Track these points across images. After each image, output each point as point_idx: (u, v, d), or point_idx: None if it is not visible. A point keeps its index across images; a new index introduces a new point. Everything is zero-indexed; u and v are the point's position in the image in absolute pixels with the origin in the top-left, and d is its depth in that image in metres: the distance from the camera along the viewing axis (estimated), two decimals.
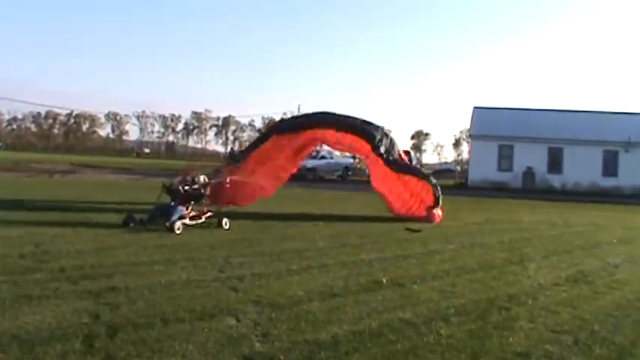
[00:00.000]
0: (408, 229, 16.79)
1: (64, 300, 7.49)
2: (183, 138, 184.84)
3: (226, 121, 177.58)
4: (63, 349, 5.66)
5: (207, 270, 9.96)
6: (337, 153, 51.39)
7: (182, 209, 14.71)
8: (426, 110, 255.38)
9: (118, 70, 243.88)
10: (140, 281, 8.75)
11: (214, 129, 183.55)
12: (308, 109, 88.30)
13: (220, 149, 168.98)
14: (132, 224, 14.25)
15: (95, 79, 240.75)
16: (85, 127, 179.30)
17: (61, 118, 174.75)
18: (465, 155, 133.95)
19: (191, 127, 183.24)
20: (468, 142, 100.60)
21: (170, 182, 15.99)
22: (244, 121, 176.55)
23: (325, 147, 39.47)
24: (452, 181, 58.56)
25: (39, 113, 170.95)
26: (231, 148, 78.77)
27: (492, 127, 52.81)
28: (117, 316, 6.91)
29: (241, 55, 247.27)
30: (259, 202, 20.16)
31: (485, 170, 51.21)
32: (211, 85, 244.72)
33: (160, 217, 14.39)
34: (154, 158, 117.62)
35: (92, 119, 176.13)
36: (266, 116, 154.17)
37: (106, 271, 9.39)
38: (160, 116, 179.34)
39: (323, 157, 50.36)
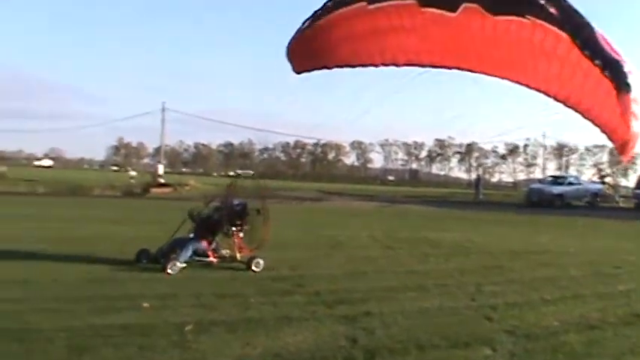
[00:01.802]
0: None
1: (322, 323, 7.89)
2: (426, 165, 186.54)
3: (469, 148, 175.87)
4: None
5: (458, 297, 9.94)
6: (584, 178, 48.17)
7: (198, 245, 12.32)
8: None
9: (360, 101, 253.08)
10: (394, 307, 8.94)
11: (457, 156, 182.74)
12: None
13: (464, 176, 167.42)
14: (144, 261, 12.17)
15: (340, 109, 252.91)
16: (331, 155, 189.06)
17: (309, 147, 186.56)
18: None
19: (434, 154, 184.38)
20: None
21: (201, 207, 13.33)
22: (487, 147, 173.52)
23: (572, 172, 37.32)
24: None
25: (288, 143, 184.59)
26: (477, 175, 77.53)
27: None
28: (373, 340, 7.10)
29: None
30: (510, 227, 19.58)
31: None
32: (453, 112, 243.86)
33: (171, 252, 11.90)
34: (398, 185, 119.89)
35: (338, 148, 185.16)
36: (509, 142, 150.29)
37: (360, 295, 9.75)
38: (403, 144, 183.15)
39: (571, 184, 48.07)
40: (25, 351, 6.30)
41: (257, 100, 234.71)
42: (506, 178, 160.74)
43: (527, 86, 7.62)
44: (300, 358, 6.34)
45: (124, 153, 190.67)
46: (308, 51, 8.37)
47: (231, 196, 13.45)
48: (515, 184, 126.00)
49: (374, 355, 6.45)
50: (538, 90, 7.62)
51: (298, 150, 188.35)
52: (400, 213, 36.09)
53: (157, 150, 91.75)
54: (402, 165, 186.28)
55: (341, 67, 8.40)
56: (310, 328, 7.60)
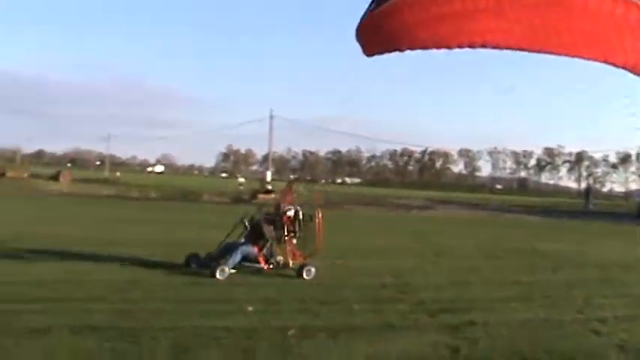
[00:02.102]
0: None
1: (425, 331, 7.87)
2: (535, 174, 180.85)
3: (579, 157, 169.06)
4: None
5: (565, 310, 9.63)
6: None
7: (248, 250, 12.11)
8: None
9: (469, 106, 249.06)
10: (498, 317, 8.80)
11: (567, 165, 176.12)
12: None
13: (573, 185, 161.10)
14: (193, 265, 12.11)
15: (448, 116, 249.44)
16: (438, 163, 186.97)
17: (416, 155, 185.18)
18: None
19: (543, 163, 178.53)
20: None
21: (253, 212, 13.17)
22: (598, 156, 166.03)
23: None
24: None
25: (395, 150, 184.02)
26: (587, 184, 74.47)
27: None
28: (475, 351, 7.02)
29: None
30: (621, 239, 18.72)
31: None
32: (562, 120, 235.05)
33: (220, 258, 11.84)
34: (506, 194, 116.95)
35: (445, 156, 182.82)
36: (621, 151, 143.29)
37: (463, 305, 9.64)
38: (511, 152, 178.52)
39: None
40: (135, 348, 6.58)
41: (364, 108, 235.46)
42: (618, 188, 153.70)
43: (615, 65, 7.16)
44: None
45: (233, 160, 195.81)
46: (379, 33, 8.21)
47: (284, 202, 13.32)
48: (627, 194, 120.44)
49: None
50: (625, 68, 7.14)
51: (405, 158, 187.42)
52: (508, 222, 35.28)
53: (265, 157, 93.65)
54: (511, 173, 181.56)
55: (413, 49, 8.20)
56: (412, 336, 7.60)
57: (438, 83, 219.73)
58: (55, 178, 68.38)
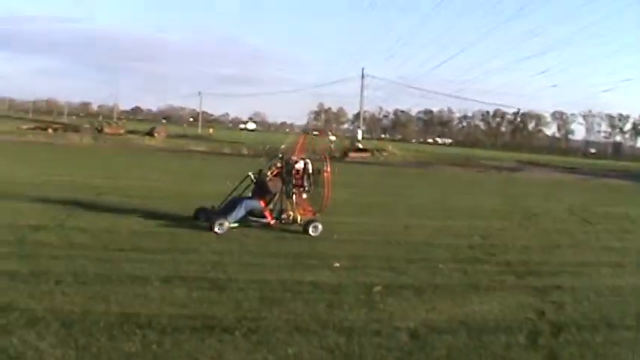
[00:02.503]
0: None
1: (510, 293, 7.72)
2: (631, 139, 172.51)
3: None
4: (507, 340, 5.82)
5: None
6: None
7: (253, 204, 11.59)
8: None
9: (564, 69, 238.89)
10: (586, 282, 8.52)
11: None
12: None
13: None
14: (202, 218, 11.61)
15: (542, 78, 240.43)
16: (531, 125, 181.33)
17: (509, 116, 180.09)
18: None
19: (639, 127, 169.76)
20: None
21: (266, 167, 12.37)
22: None
23: None
24: None
25: (487, 112, 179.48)
26: None
27: None
28: (561, 315, 6.83)
29: None
30: None
31: None
32: None
33: (226, 212, 11.39)
34: (600, 159, 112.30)
35: (538, 118, 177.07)
36: None
37: (551, 269, 9.39)
38: (607, 116, 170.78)
39: None
40: (221, 299, 6.69)
41: (457, 67, 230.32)
42: None
43: None
44: (486, 327, 6.25)
45: (325, 118, 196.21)
46: None
47: (294, 154, 12.53)
48: None
49: (561, 330, 6.21)
50: None
51: (498, 119, 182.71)
52: (601, 187, 34.04)
53: (357, 116, 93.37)
54: (605, 137, 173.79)
55: None
56: (498, 297, 7.46)
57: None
58: (149, 134, 70.51)
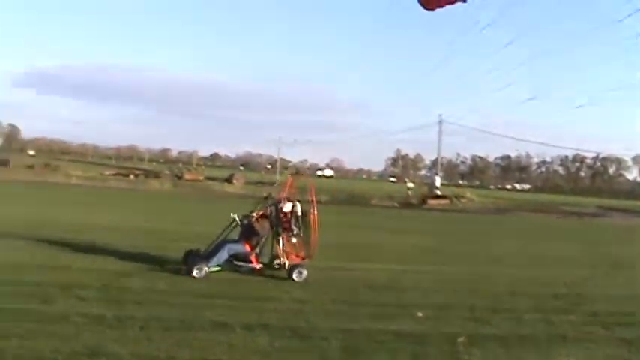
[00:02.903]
0: None
1: (598, 345, 7.45)
2: None
3: None
4: None
5: None
6: None
7: (237, 248, 11.10)
8: None
9: None
10: None
11: None
12: None
13: None
14: (190, 261, 10.94)
15: (619, 123, 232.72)
16: (611, 170, 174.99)
17: (588, 161, 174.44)
18: None
19: None
20: None
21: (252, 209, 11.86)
22: None
23: None
24: None
25: (566, 156, 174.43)
26: None
27: None
28: None
29: None
30: None
31: None
32: None
33: (212, 255, 10.90)
34: None
35: (619, 162, 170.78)
36: None
37: None
38: None
39: None
40: (305, 348, 6.69)
41: (534, 113, 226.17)
42: None
43: None
44: None
45: (402, 164, 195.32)
46: None
47: (282, 198, 11.97)
48: None
49: None
50: None
51: (577, 164, 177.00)
52: None
53: (434, 162, 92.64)
54: None
55: None
56: (585, 349, 7.23)
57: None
58: (228, 180, 72.00)
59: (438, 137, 69.19)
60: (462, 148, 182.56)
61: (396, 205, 50.66)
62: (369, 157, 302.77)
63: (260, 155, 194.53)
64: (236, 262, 11.15)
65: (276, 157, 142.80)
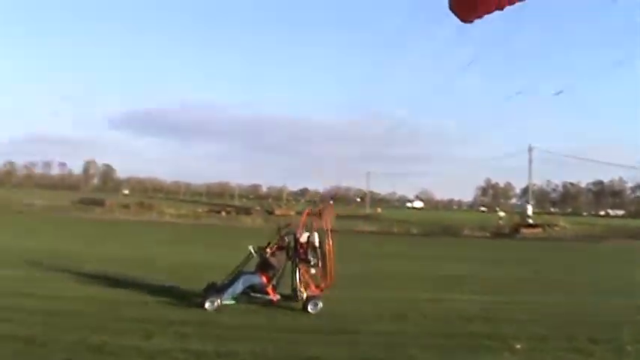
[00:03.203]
0: None
1: None
2: None
3: None
4: None
5: None
6: None
7: (253, 280, 10.95)
8: None
9: None
10: None
11: None
12: None
13: None
14: (207, 293, 10.92)
15: None
16: None
17: None
18: None
19: None
20: None
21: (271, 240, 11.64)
22: None
23: None
24: None
25: None
26: None
27: None
28: None
29: None
30: None
31: None
32: None
33: (228, 287, 10.77)
34: None
35: None
36: None
37: None
38: None
39: None
40: None
41: (627, 136, 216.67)
42: None
43: None
44: None
45: (492, 193, 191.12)
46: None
47: (300, 228, 11.63)
48: None
49: None
50: None
51: None
52: None
53: (525, 190, 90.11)
54: None
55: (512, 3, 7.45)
56: None
57: None
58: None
59: (528, 165, 67.69)
60: (553, 175, 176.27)
61: (487, 235, 49.60)
62: (459, 186, 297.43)
63: (349, 188, 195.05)
64: (253, 294, 11.04)
65: (365, 189, 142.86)
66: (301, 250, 11.35)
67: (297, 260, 11.33)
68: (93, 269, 15.01)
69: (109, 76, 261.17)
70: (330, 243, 11.47)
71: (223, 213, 69.88)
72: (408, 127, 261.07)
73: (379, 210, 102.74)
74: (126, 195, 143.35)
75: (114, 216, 58.88)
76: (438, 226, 55.09)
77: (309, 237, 11.43)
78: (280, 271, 11.39)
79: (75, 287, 12.50)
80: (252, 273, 11.17)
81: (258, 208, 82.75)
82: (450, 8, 7.99)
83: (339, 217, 73.06)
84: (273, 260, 11.28)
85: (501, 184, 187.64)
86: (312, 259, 11.29)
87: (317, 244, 11.42)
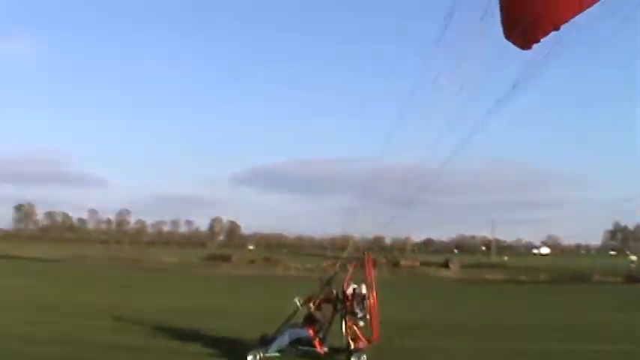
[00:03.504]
0: None
1: None
2: None
3: None
4: None
5: None
6: None
7: (299, 333, 10.99)
8: None
9: None
10: None
11: None
12: None
13: None
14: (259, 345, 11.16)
15: None
16: None
17: None
18: None
19: None
20: None
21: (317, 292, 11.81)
22: None
23: None
24: None
25: None
26: None
27: None
28: None
29: None
30: None
31: None
32: None
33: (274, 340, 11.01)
34: None
35: None
36: None
37: None
38: None
39: None
40: None
41: None
42: None
43: None
44: None
45: (621, 237, 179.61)
46: (531, 24, 7.58)
47: (346, 281, 11.78)
48: None
49: None
50: None
51: None
52: None
53: None
54: None
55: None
56: None
57: None
58: (445, 265, 71.02)
59: None
60: None
61: (619, 280, 47.02)
62: (586, 230, 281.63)
63: (473, 237, 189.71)
64: (300, 347, 11.18)
65: (490, 237, 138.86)
66: (347, 303, 11.44)
67: (344, 312, 11.44)
68: None
69: (231, 136, 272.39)
70: (374, 295, 11.55)
71: (348, 266, 69.96)
72: (533, 172, 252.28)
73: (505, 258, 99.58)
74: (251, 250, 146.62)
75: (241, 271, 60.67)
76: (566, 272, 52.88)
77: (354, 289, 11.58)
78: (327, 324, 11.51)
79: None
80: (300, 326, 11.36)
81: (383, 260, 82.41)
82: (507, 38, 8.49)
83: (464, 266, 71.52)
84: (317, 314, 11.45)
85: (631, 227, 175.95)
86: (358, 311, 11.34)
87: (363, 295, 11.51)
